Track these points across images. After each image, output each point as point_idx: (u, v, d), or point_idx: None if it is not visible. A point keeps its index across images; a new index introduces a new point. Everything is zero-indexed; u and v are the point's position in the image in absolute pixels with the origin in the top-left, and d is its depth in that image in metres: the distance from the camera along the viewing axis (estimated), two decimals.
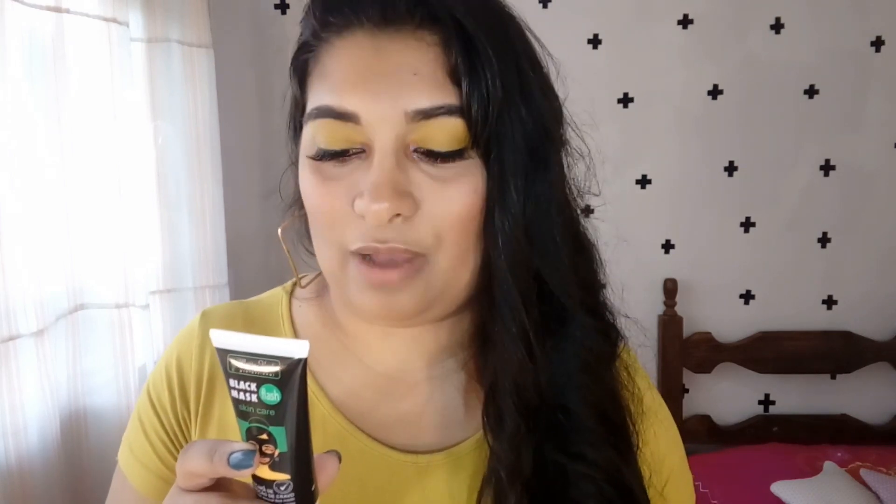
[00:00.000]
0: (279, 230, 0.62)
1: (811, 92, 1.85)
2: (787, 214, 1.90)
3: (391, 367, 0.60)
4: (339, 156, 0.52)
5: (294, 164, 0.58)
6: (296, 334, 0.63)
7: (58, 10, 1.20)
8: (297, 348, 0.40)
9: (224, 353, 0.41)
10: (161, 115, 1.50)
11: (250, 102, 1.87)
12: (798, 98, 1.86)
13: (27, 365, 1.13)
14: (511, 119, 0.51)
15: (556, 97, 0.58)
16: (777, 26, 1.84)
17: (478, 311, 0.58)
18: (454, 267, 0.53)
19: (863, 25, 1.83)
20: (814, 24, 1.83)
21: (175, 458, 0.60)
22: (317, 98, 0.53)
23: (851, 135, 1.87)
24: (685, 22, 1.84)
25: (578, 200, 0.59)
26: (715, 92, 1.87)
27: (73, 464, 1.29)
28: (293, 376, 0.40)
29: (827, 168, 1.88)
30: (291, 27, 1.83)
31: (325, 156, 0.52)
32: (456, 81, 0.50)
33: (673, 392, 1.87)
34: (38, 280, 1.16)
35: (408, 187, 0.50)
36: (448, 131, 0.50)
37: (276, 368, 0.39)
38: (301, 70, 0.56)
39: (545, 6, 1.84)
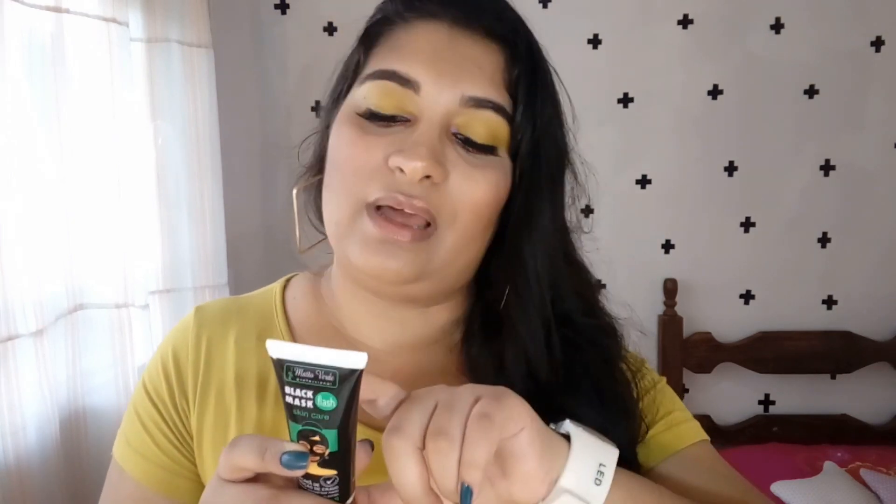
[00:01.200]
0: (294, 190, 0.65)
1: (811, 92, 1.85)
2: (787, 214, 1.90)
3: (380, 351, 0.63)
4: (385, 120, 0.56)
5: (326, 129, 0.62)
6: (289, 325, 0.66)
7: (57, 10, 1.20)
8: (355, 360, 0.42)
9: (281, 363, 0.42)
10: (161, 115, 1.50)
11: (250, 102, 1.87)
12: (798, 98, 1.86)
13: (26, 365, 1.13)
14: (549, 138, 0.59)
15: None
16: (777, 26, 1.84)
17: (464, 303, 0.63)
18: (458, 248, 0.57)
19: (863, 25, 1.83)
20: (814, 24, 1.83)
21: (176, 448, 0.63)
22: (382, 63, 0.58)
23: (851, 135, 1.87)
24: (685, 22, 1.84)
25: (577, 203, 0.65)
26: (715, 92, 1.86)
27: (73, 464, 1.29)
28: (348, 383, 0.42)
29: (827, 168, 1.88)
30: (291, 27, 1.84)
31: (372, 116, 0.57)
32: (510, 92, 0.57)
33: None
34: (38, 280, 1.15)
35: (442, 158, 0.55)
36: (489, 125, 0.56)
37: (334, 378, 0.41)
38: (372, 38, 0.61)
39: (545, 6, 1.84)
